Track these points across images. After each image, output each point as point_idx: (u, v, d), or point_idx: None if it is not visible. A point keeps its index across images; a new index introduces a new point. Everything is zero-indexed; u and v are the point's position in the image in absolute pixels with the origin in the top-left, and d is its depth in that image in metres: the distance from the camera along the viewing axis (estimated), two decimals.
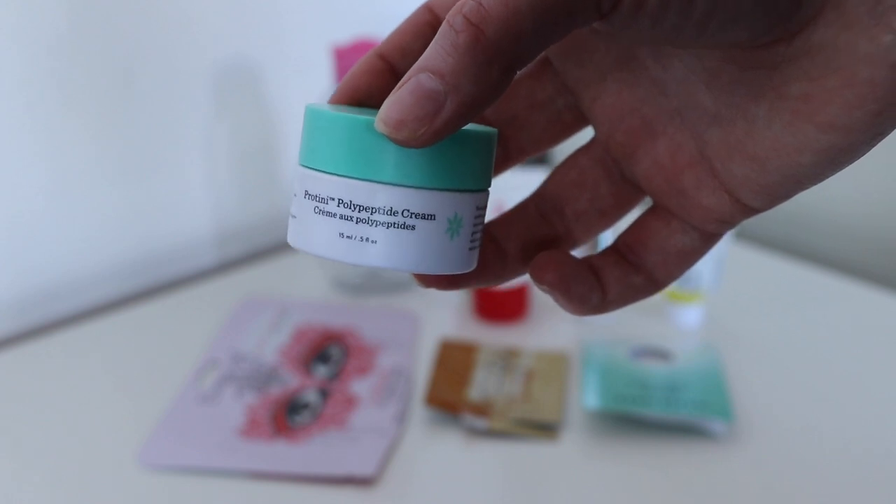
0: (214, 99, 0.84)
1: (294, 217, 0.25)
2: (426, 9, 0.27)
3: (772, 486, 0.56)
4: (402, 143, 0.22)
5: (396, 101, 0.21)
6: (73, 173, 0.77)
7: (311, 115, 0.24)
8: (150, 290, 0.82)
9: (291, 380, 0.66)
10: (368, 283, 0.79)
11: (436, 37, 0.21)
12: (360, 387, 0.65)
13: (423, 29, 0.27)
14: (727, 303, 0.77)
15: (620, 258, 0.28)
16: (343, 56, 0.72)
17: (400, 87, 0.21)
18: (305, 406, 0.63)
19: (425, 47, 0.27)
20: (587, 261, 0.28)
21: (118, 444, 0.59)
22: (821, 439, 0.60)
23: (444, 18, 0.26)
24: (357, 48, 0.72)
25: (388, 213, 0.23)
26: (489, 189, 0.26)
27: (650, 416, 0.60)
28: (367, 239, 0.24)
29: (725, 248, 0.71)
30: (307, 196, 0.24)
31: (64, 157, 0.76)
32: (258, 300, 0.77)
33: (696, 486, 0.56)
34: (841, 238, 0.88)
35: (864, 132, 0.22)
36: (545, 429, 0.60)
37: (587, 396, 0.61)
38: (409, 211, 0.24)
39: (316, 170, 0.24)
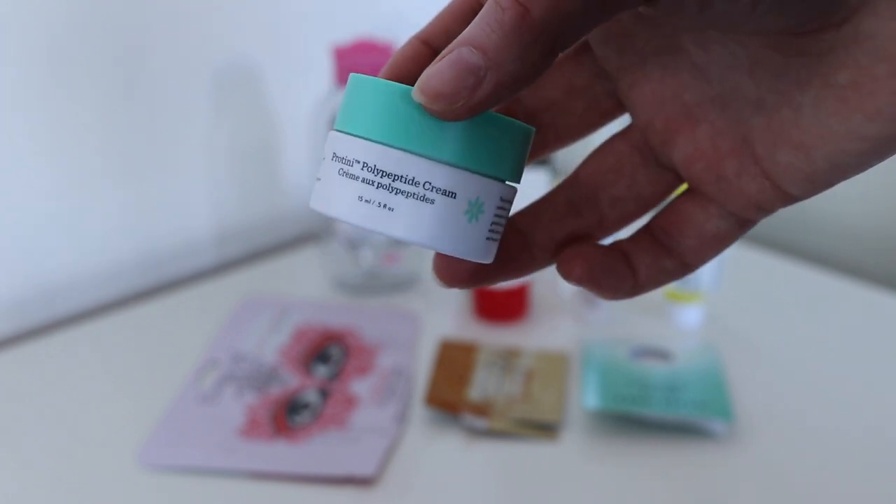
0: (214, 99, 0.84)
1: (319, 180, 0.25)
2: None
3: (772, 486, 0.56)
4: (437, 115, 0.22)
5: (436, 72, 0.21)
6: (73, 174, 0.77)
7: (353, 81, 0.24)
8: (150, 290, 0.82)
9: (291, 380, 0.66)
10: (368, 283, 0.79)
11: (481, 12, 0.21)
12: (360, 387, 0.65)
13: (466, 13, 0.27)
14: (727, 303, 0.77)
15: (653, 242, 0.28)
16: (343, 56, 0.72)
17: (441, 59, 0.21)
18: (305, 406, 0.63)
19: None
20: (618, 246, 0.28)
21: (118, 444, 0.59)
22: (821, 439, 0.60)
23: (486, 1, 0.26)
24: (357, 48, 0.72)
25: (410, 182, 0.23)
26: (517, 186, 0.26)
27: (650, 416, 0.60)
28: (386, 206, 0.24)
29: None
30: (334, 158, 0.24)
31: (64, 158, 0.76)
32: (258, 300, 0.77)
33: (696, 486, 0.56)
34: (841, 238, 0.88)
35: None
36: (545, 429, 0.60)
37: (587, 396, 0.61)
38: (430, 184, 0.24)
39: (346, 133, 0.24)
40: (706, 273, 0.71)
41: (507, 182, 0.25)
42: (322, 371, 0.67)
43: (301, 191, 0.93)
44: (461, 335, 0.72)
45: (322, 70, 0.91)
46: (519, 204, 0.66)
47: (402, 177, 0.23)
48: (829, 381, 0.66)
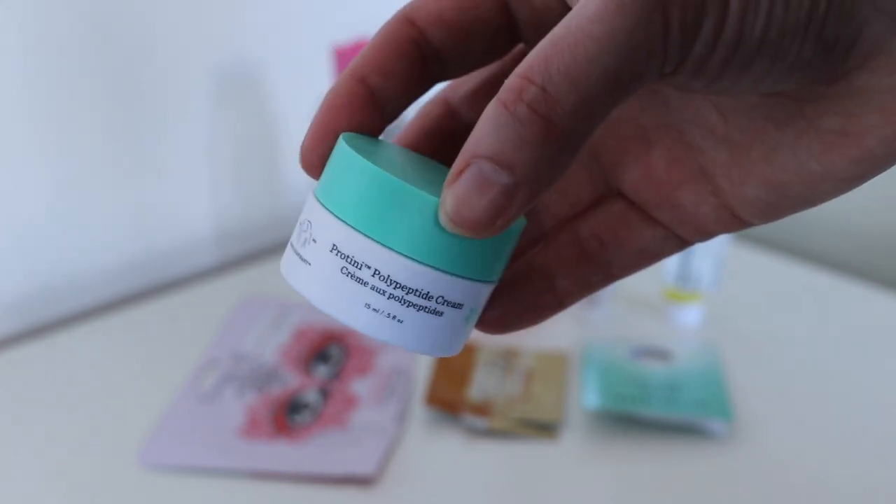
0: (215, 99, 0.84)
1: (306, 262, 0.23)
2: (405, 20, 0.24)
3: (772, 486, 0.56)
4: (474, 237, 0.21)
5: (463, 198, 0.20)
6: (73, 174, 0.77)
7: (357, 164, 0.23)
8: (150, 290, 0.82)
9: (291, 379, 0.66)
10: None
11: (489, 119, 0.20)
12: (360, 387, 0.65)
13: (405, 46, 0.24)
14: (727, 303, 0.77)
15: (581, 255, 0.26)
16: (343, 56, 0.72)
17: (458, 178, 0.20)
18: (305, 406, 0.63)
19: (410, 68, 0.24)
20: (539, 265, 0.26)
21: (118, 444, 0.59)
22: (821, 439, 0.60)
23: (426, 30, 0.24)
24: (357, 48, 0.72)
25: (424, 296, 0.23)
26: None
27: (650, 415, 0.60)
28: (395, 318, 0.23)
29: (725, 248, 0.71)
30: (336, 252, 0.23)
31: (64, 159, 0.76)
32: (258, 300, 0.77)
33: (696, 485, 0.56)
34: (841, 238, 0.88)
35: (893, 162, 0.22)
36: (545, 428, 0.60)
37: (587, 396, 0.61)
38: (443, 298, 0.23)
39: (355, 229, 0.22)
40: (706, 273, 0.71)
41: (498, 281, 0.25)
42: (322, 371, 0.67)
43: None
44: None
45: (322, 70, 0.91)
46: None
47: (416, 290, 0.23)
48: (828, 380, 0.66)
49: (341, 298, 0.23)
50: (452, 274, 0.23)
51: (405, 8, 0.25)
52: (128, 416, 0.62)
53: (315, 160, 0.25)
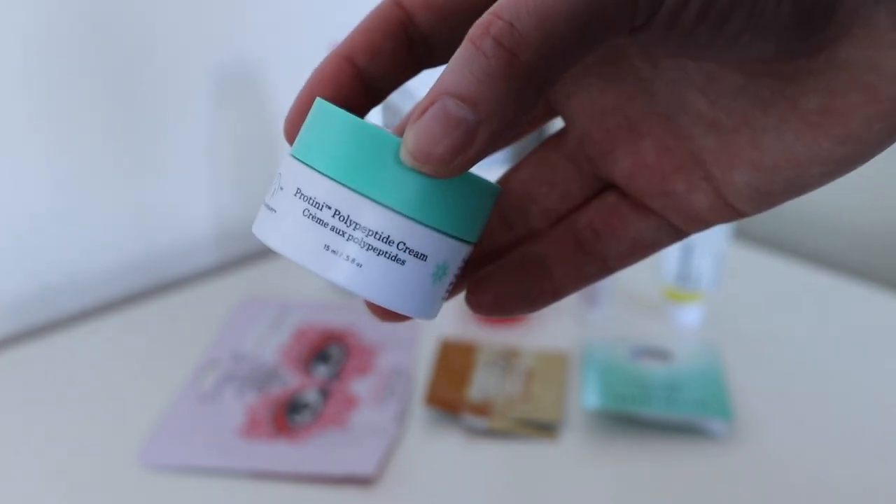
0: (215, 99, 0.84)
1: (272, 211, 0.23)
2: (394, 4, 0.25)
3: (772, 486, 0.56)
4: (432, 175, 0.21)
5: (424, 132, 0.20)
6: (73, 174, 0.77)
7: (325, 111, 0.23)
8: (150, 290, 0.82)
9: (292, 379, 0.66)
10: None
11: (457, 57, 0.20)
12: (360, 387, 0.65)
13: (392, 28, 0.25)
14: (727, 303, 0.77)
15: (577, 246, 0.26)
16: None
17: (422, 114, 0.20)
18: (305, 406, 0.63)
19: (396, 48, 0.25)
20: (535, 254, 0.26)
21: (118, 444, 0.59)
22: (821, 439, 0.60)
23: (414, 14, 0.24)
24: None
25: (384, 240, 0.22)
26: (475, 244, 0.25)
27: (650, 415, 0.60)
28: (354, 261, 0.22)
29: (725, 247, 0.71)
30: (299, 195, 0.23)
31: (64, 158, 0.76)
32: (258, 300, 0.77)
33: (696, 485, 0.56)
34: (841, 238, 0.88)
35: (880, 144, 0.22)
36: (545, 428, 0.60)
37: (587, 396, 0.61)
38: (404, 244, 0.22)
39: (315, 169, 0.22)
40: (706, 273, 0.71)
41: (471, 243, 0.24)
42: (322, 371, 0.67)
43: None
44: (461, 335, 0.72)
45: None
46: None
47: (377, 233, 0.22)
48: (828, 380, 0.67)
49: (302, 241, 0.22)
50: (416, 220, 0.22)
51: None
52: (128, 416, 0.62)
53: (297, 131, 0.25)
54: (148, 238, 0.83)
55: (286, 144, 0.91)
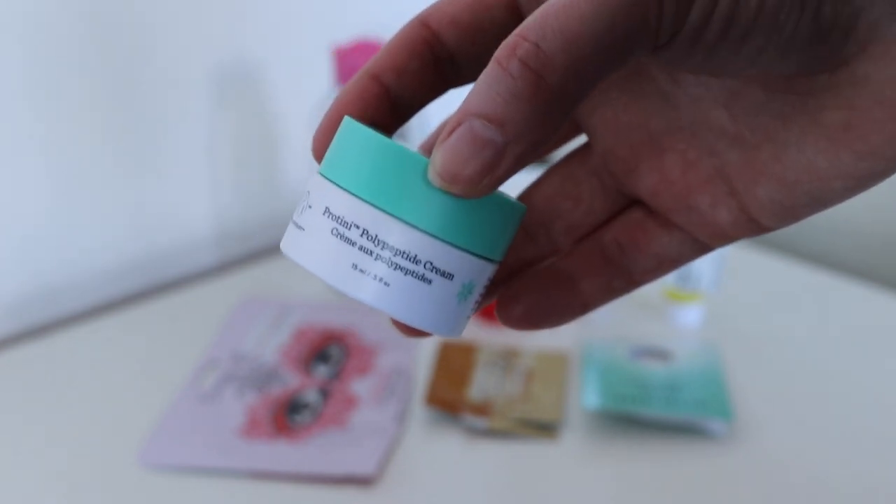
0: (214, 99, 0.84)
1: (300, 229, 0.24)
2: (420, 24, 0.25)
3: (772, 486, 0.56)
4: (460, 195, 0.21)
5: (452, 153, 0.20)
6: (73, 174, 0.77)
7: (354, 131, 0.23)
8: (150, 290, 0.82)
9: (291, 379, 0.66)
10: None
11: (484, 78, 0.20)
12: (360, 387, 0.65)
13: (418, 47, 0.25)
14: (727, 303, 0.77)
15: (605, 261, 0.27)
16: (343, 56, 0.72)
17: (450, 135, 0.20)
18: (305, 406, 0.63)
19: (423, 67, 0.25)
20: (563, 269, 0.27)
21: (118, 444, 0.59)
22: (821, 439, 0.60)
23: (440, 33, 0.25)
24: (357, 48, 0.72)
25: (412, 260, 0.22)
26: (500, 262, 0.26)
27: (650, 415, 0.60)
28: (382, 280, 0.22)
29: (725, 248, 0.71)
30: (327, 214, 0.23)
31: (64, 159, 0.76)
32: (258, 300, 0.77)
33: (696, 485, 0.56)
34: (840, 238, 0.88)
35: None
36: (545, 428, 0.60)
37: (587, 396, 0.61)
38: (431, 264, 0.23)
39: (344, 189, 0.23)
40: (706, 273, 0.71)
41: (496, 262, 0.24)
42: (322, 371, 0.67)
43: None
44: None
45: (322, 70, 0.91)
46: None
47: (404, 253, 0.22)
48: (829, 380, 0.67)
49: (330, 259, 0.23)
50: (443, 240, 0.22)
51: (421, 12, 0.25)
52: (128, 416, 0.62)
53: (324, 149, 0.25)
54: (148, 238, 0.83)
55: (287, 145, 0.91)
